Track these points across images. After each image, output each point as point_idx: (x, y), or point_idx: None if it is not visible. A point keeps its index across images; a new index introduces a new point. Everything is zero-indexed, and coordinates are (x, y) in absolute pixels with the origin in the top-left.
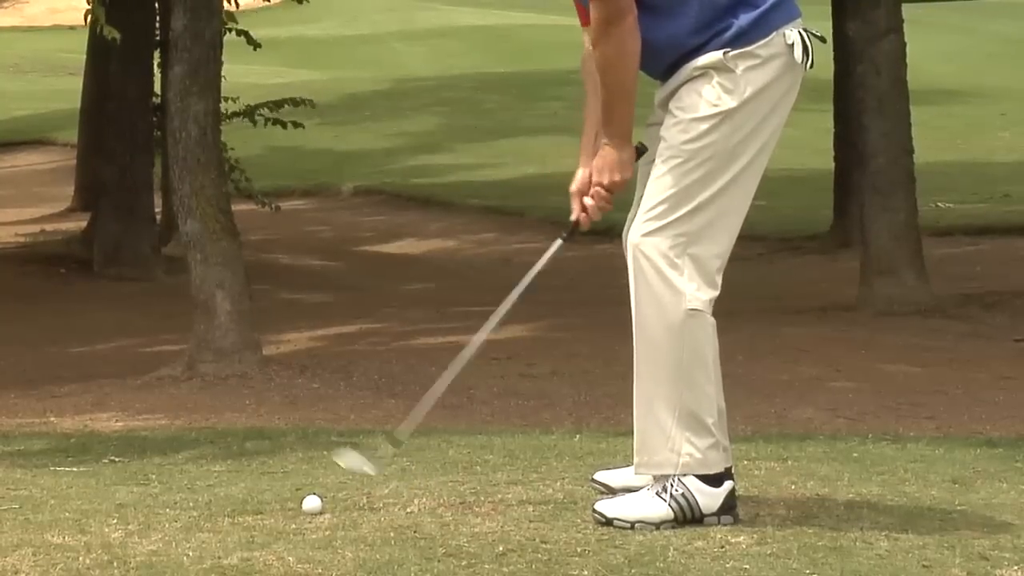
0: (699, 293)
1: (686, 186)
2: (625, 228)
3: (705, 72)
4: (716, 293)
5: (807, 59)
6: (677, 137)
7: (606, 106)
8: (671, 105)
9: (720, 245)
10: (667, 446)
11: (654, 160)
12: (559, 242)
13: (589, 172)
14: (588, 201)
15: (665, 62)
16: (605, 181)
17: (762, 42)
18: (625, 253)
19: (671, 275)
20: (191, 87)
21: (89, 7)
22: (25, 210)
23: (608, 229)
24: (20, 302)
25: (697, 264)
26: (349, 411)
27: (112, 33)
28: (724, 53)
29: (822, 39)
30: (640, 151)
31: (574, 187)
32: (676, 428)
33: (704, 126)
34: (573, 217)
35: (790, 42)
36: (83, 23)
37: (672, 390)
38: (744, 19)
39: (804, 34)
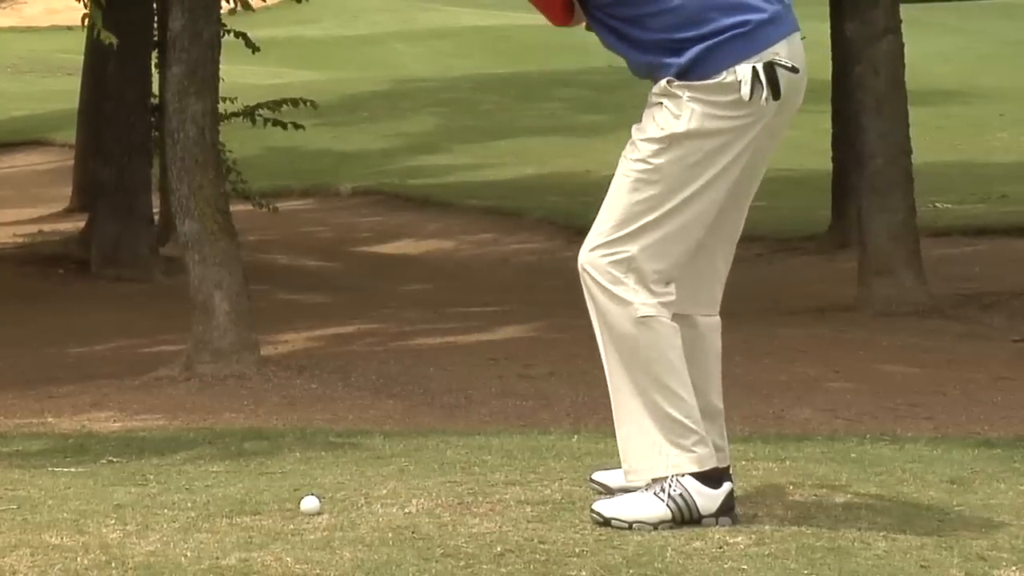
0: (648, 299)
1: (632, 205)
2: None
3: (659, 100)
4: (668, 298)
5: (763, 93)
6: (629, 157)
7: None
8: (632, 128)
9: (664, 263)
10: (653, 450)
11: None
12: None
13: None
14: None
15: (639, 74)
16: None
17: (708, 81)
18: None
19: (615, 289)
20: (189, 87)
21: (87, 10)
22: (23, 211)
23: None
24: (18, 303)
25: (639, 277)
26: (347, 411)
27: (109, 38)
28: (668, 81)
29: (793, 69)
30: None
31: None
32: (658, 432)
33: (652, 147)
34: None
35: (739, 78)
36: (80, 24)
37: (645, 398)
38: (687, 56)
39: (759, 69)
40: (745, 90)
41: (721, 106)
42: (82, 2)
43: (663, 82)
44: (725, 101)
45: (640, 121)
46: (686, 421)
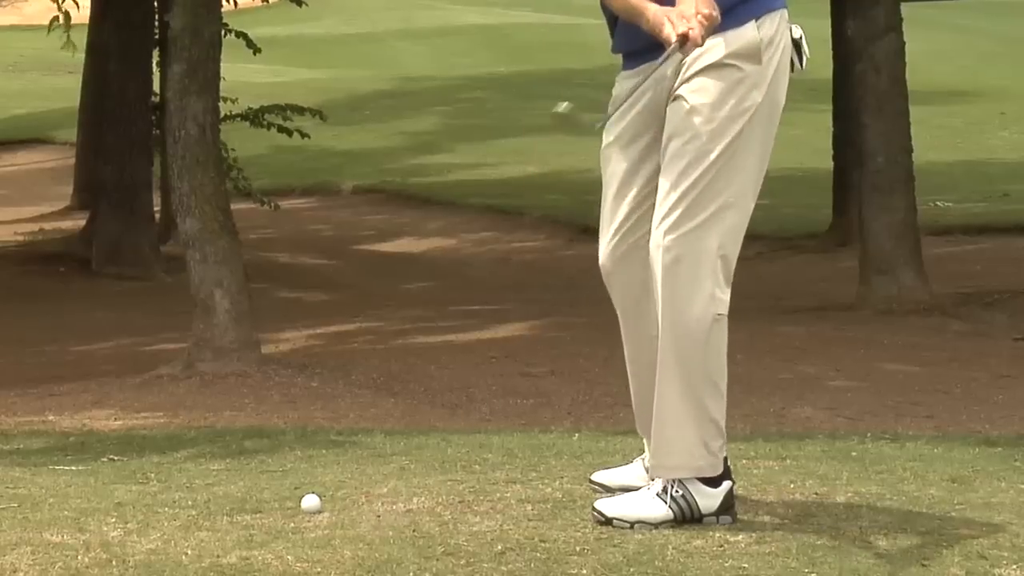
0: (724, 296)
1: (712, 184)
2: (603, 242)
3: (734, 63)
4: (728, 294)
5: (804, 62)
6: (701, 132)
7: None
8: (687, 92)
9: (738, 245)
10: (685, 450)
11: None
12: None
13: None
14: (696, 25)
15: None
16: (705, 11)
17: (779, 29)
18: (604, 265)
19: (705, 279)
20: (190, 86)
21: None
22: (24, 209)
23: None
24: (19, 301)
25: (725, 264)
26: (348, 410)
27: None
28: (756, 23)
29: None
30: None
31: (677, 11)
32: (695, 433)
33: (737, 124)
34: (681, 30)
35: (796, 36)
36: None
37: (695, 396)
38: None
39: (801, 39)
40: (805, 49)
41: (784, 61)
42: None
43: (751, 30)
44: (787, 63)
45: (702, 90)
46: (721, 424)
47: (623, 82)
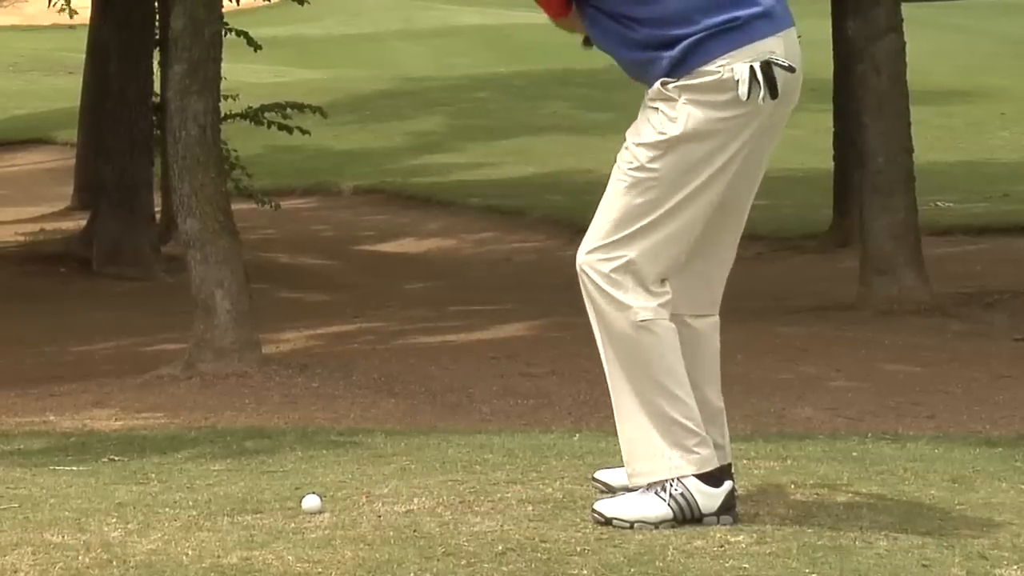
0: (647, 302)
1: (629, 208)
2: None
3: (654, 104)
4: (665, 298)
5: (760, 92)
6: (625, 161)
7: None
8: (626, 133)
9: (661, 265)
10: (655, 453)
11: None
12: None
13: None
14: None
15: (632, 74)
16: None
17: (704, 79)
18: None
19: (614, 292)
20: (191, 86)
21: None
22: (25, 209)
23: None
24: (20, 301)
25: (638, 279)
26: (349, 410)
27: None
28: (662, 83)
29: (790, 69)
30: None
31: None
32: (659, 435)
33: (649, 153)
34: None
35: (737, 77)
36: (84, 22)
37: (645, 400)
38: (678, 48)
39: (757, 68)
40: (743, 89)
41: (717, 106)
42: None
43: (657, 85)
44: (721, 100)
45: (634, 126)
46: (687, 423)
47: None
